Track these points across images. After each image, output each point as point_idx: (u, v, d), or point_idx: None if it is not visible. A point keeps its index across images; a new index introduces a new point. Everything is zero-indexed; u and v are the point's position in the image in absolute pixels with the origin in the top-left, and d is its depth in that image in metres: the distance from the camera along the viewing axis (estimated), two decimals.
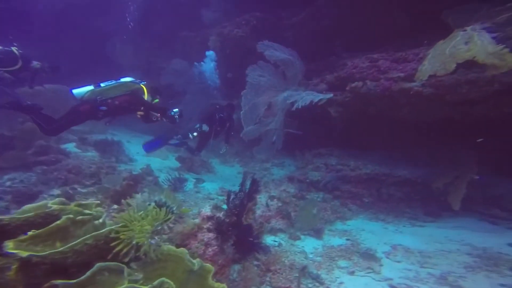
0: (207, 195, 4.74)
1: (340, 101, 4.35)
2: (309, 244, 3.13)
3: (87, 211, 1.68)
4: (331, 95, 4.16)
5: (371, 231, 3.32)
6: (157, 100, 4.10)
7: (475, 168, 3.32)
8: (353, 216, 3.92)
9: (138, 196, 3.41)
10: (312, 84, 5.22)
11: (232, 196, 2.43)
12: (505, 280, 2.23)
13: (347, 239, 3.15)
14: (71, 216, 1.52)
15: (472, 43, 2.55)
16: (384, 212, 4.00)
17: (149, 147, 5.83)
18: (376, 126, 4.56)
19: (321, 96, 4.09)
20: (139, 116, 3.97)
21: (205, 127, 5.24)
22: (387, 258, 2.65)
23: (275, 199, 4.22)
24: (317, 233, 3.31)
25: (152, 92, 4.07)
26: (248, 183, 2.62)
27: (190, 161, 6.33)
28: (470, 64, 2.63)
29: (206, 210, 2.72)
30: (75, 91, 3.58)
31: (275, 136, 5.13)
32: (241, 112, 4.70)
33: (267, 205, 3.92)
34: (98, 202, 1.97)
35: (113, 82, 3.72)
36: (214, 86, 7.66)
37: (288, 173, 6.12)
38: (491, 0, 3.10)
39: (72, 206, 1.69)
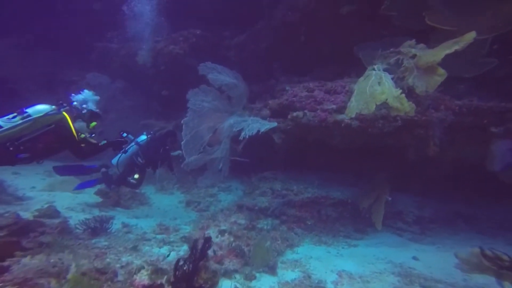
0: (141, 235, 3.96)
1: (283, 129, 4.57)
2: (265, 283, 3.04)
3: None
4: (275, 124, 4.32)
5: (317, 258, 3.54)
6: (94, 123, 3.33)
7: (387, 190, 4.06)
8: (300, 241, 4.09)
9: (26, 261, 2.42)
10: (256, 109, 5.33)
11: (180, 262, 2.08)
12: None
13: (299, 271, 3.23)
14: None
15: (382, 85, 3.08)
16: (324, 232, 4.36)
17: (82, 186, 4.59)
18: (314, 151, 5.01)
19: (267, 125, 4.19)
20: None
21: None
22: None
23: (226, 234, 3.97)
24: (272, 269, 3.26)
25: (83, 116, 3.27)
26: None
27: (116, 194, 5.25)
28: None
29: (142, 277, 2.21)
30: None
31: (222, 164, 4.92)
32: (182, 143, 4.29)
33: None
34: None
35: (17, 118, 2.75)
36: None
37: (236, 198, 5.94)
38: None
39: None
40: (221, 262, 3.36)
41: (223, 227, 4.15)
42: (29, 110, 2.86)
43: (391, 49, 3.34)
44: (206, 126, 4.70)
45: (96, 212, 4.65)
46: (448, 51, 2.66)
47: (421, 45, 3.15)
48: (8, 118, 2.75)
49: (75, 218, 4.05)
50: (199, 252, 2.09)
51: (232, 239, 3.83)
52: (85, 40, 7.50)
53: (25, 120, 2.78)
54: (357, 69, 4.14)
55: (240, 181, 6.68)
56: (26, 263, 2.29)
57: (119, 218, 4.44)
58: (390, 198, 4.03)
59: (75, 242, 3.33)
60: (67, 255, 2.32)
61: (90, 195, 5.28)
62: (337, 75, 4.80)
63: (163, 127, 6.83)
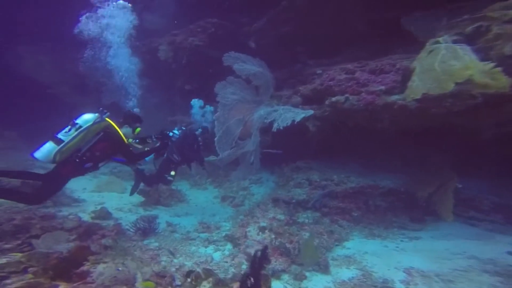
0: (185, 234, 4.08)
1: (318, 116, 4.21)
2: (318, 283, 2.88)
3: None
4: (312, 112, 3.97)
5: (374, 253, 3.26)
6: (138, 129, 3.38)
7: (455, 177, 3.54)
8: (348, 235, 3.84)
9: (100, 269, 2.58)
10: (285, 97, 4.98)
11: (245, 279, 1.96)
12: None
13: (356, 268, 3.00)
14: None
15: (460, 59, 2.50)
16: (374, 224, 4.04)
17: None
18: (353, 136, 4.60)
19: (302, 114, 3.86)
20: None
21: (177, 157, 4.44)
22: None
23: (266, 231, 3.85)
24: (323, 268, 3.07)
25: (127, 121, 3.32)
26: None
27: (156, 192, 5.43)
28: None
29: None
30: (37, 154, 2.82)
31: (253, 157, 4.74)
32: (216, 139, 4.14)
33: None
34: None
35: (72, 130, 2.91)
36: None
37: (268, 190, 5.82)
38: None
39: None
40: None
41: (262, 224, 4.04)
42: (79, 121, 2.95)
43: (465, 16, 2.72)
44: (236, 119, 4.49)
45: (141, 211, 4.90)
46: None
47: None
48: (65, 132, 2.88)
49: (125, 219, 4.34)
50: (258, 263, 1.95)
51: (273, 236, 3.71)
52: None
53: (78, 131, 2.89)
54: (404, 44, 3.59)
55: (270, 171, 6.52)
56: (101, 271, 2.40)
57: (163, 217, 4.58)
58: (461, 185, 3.52)
59: (130, 243, 3.50)
60: (131, 262, 2.36)
61: (133, 195, 5.52)
62: (375, 54, 4.21)
63: (191, 122, 6.79)
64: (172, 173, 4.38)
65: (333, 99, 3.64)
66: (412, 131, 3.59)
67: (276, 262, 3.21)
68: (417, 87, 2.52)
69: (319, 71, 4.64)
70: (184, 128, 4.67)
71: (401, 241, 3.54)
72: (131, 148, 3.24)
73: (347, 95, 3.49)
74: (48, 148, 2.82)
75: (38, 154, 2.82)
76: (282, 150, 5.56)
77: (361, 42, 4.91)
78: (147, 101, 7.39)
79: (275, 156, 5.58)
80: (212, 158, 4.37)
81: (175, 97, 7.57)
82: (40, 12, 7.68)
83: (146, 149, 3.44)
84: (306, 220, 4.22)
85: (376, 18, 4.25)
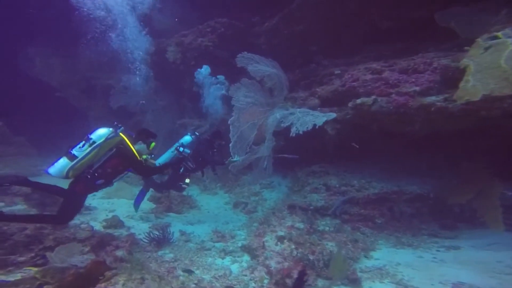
0: (200, 244, 3.90)
1: (340, 119, 3.99)
2: None
3: None
4: (334, 115, 3.74)
5: (408, 265, 3.00)
6: (153, 144, 3.28)
7: (499, 183, 3.22)
8: (373, 243, 3.62)
9: None
10: (300, 99, 4.76)
11: None
12: None
13: (391, 282, 2.76)
14: None
15: None
16: (400, 232, 3.82)
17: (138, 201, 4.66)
18: (373, 139, 4.36)
19: (323, 117, 3.65)
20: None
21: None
22: None
23: (285, 241, 3.65)
24: (354, 282, 2.85)
25: (141, 137, 3.22)
26: None
27: (167, 199, 5.27)
28: None
29: None
30: (51, 170, 2.81)
31: (266, 162, 4.54)
32: (231, 144, 3.95)
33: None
34: None
35: (86, 145, 2.84)
36: None
37: (281, 195, 5.60)
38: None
39: None
40: (290, 275, 3.04)
41: (280, 233, 3.83)
42: (93, 136, 2.87)
43: None
44: (250, 123, 4.30)
45: (152, 217, 4.75)
46: None
47: None
48: (79, 147, 2.82)
49: (137, 228, 4.24)
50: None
51: (293, 247, 3.50)
52: None
53: (92, 147, 2.83)
54: (434, 42, 3.34)
55: (282, 175, 6.31)
56: None
57: (175, 225, 4.43)
58: (511, 193, 3.24)
59: (145, 255, 3.35)
60: (152, 282, 2.20)
61: (144, 201, 5.36)
62: (400, 52, 3.94)
63: (199, 125, 6.62)
64: (187, 180, 4.22)
65: (358, 101, 3.41)
66: (444, 133, 3.34)
67: None
68: (474, 87, 2.25)
69: (337, 71, 4.42)
70: (197, 134, 4.48)
71: (437, 250, 3.25)
72: (144, 164, 3.13)
73: (374, 96, 3.25)
74: (62, 164, 2.78)
75: (52, 170, 2.78)
76: (297, 154, 5.33)
77: (382, 41, 4.67)
78: (155, 104, 7.26)
79: (289, 160, 5.36)
80: (234, 159, 4.15)
81: (183, 99, 7.41)
82: (51, 13, 7.55)
83: (158, 164, 3.32)
84: (327, 228, 4.00)
85: (403, 15, 3.98)
